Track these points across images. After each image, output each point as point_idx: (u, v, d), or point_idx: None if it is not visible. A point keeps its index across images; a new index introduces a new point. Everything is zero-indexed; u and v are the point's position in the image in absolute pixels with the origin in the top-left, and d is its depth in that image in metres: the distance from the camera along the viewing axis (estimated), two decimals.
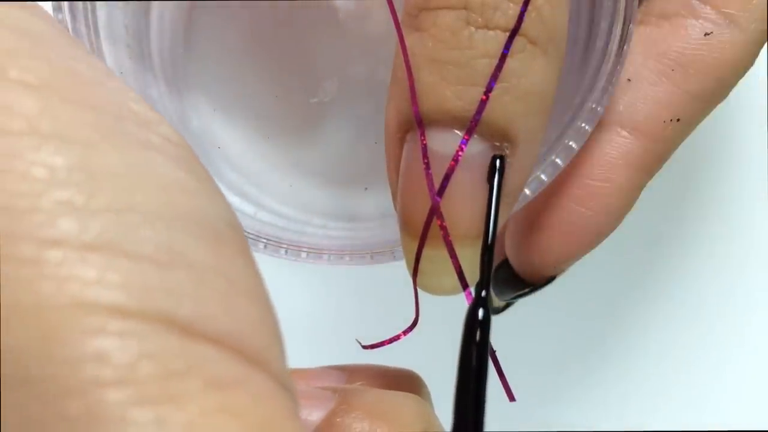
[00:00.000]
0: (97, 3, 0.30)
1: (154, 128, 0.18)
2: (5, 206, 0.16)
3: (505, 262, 0.32)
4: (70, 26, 0.29)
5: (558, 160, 0.29)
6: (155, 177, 0.17)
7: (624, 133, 0.30)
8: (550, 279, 0.32)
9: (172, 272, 0.17)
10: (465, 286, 0.26)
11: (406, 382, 0.29)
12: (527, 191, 0.29)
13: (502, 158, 0.25)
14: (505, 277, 0.32)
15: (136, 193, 0.17)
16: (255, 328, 0.18)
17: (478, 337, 0.23)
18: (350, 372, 0.28)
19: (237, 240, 0.19)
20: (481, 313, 0.23)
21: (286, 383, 0.18)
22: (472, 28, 0.24)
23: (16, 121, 0.17)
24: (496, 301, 0.34)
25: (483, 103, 0.24)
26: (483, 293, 0.24)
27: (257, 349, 0.17)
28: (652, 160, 0.30)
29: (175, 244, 0.17)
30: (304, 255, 0.30)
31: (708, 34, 0.30)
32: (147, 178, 0.17)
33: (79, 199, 0.16)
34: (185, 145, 0.19)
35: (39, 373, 0.15)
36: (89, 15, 0.30)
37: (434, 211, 0.25)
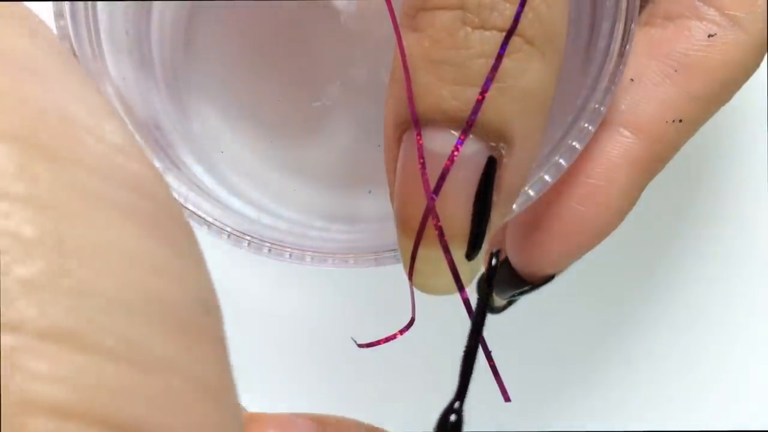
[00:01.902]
0: (99, 8, 0.30)
1: (141, 189, 0.17)
2: None
3: (505, 261, 0.32)
4: (71, 31, 0.29)
5: (561, 161, 0.29)
6: (127, 253, 0.16)
7: (626, 133, 0.30)
8: (549, 277, 0.32)
9: (127, 369, 0.15)
10: (460, 286, 0.26)
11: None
12: (531, 192, 0.29)
13: (494, 160, 0.25)
14: (505, 275, 0.32)
15: (103, 273, 0.15)
16: (209, 429, 0.16)
17: None
18: (323, 426, 0.27)
19: (209, 328, 0.17)
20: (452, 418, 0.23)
21: None
22: (469, 29, 0.24)
23: None
24: (497, 300, 0.34)
25: (479, 104, 0.24)
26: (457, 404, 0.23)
27: None
28: (654, 161, 0.30)
29: (137, 336, 0.15)
30: (308, 258, 0.30)
31: (712, 36, 0.30)
32: (117, 255, 0.16)
33: (42, 279, 0.15)
34: (171, 205, 0.18)
35: None
36: (90, 20, 0.30)
37: (429, 211, 0.25)
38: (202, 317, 0.17)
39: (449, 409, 0.23)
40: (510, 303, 0.34)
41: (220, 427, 0.17)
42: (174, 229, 0.17)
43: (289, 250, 0.30)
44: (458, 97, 0.24)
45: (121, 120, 0.18)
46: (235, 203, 0.32)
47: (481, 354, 0.26)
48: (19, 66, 0.17)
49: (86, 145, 0.16)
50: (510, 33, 0.24)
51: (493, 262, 0.26)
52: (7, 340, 0.14)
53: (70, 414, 0.14)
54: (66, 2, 0.29)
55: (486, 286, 0.25)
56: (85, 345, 0.15)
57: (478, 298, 0.25)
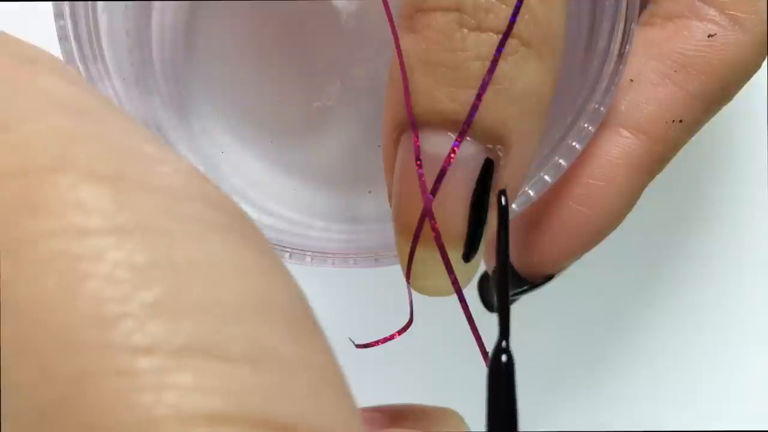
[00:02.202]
0: (99, 8, 0.30)
1: (219, 205, 0.18)
2: (96, 316, 0.15)
3: None
4: (71, 32, 0.29)
5: (561, 161, 0.29)
6: (231, 264, 0.17)
7: (626, 133, 0.30)
8: (549, 277, 0.32)
9: (264, 371, 0.16)
10: (458, 288, 0.26)
11: (448, 420, 0.28)
12: (531, 192, 0.29)
13: (491, 162, 0.25)
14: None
15: (219, 285, 0.16)
16: (346, 421, 0.17)
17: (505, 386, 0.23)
18: (391, 416, 0.28)
19: (312, 323, 0.18)
20: (504, 358, 0.23)
21: None
22: (465, 30, 0.24)
23: (93, 218, 0.16)
24: (497, 299, 0.34)
25: (475, 106, 0.24)
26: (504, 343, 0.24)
27: None
28: (654, 161, 0.30)
29: (262, 338, 0.16)
30: (308, 259, 0.30)
31: (712, 36, 0.30)
32: (224, 267, 0.17)
33: (166, 300, 0.16)
34: (242, 214, 0.18)
35: None
36: (91, 20, 0.30)
37: (426, 213, 0.25)
38: (305, 311, 0.18)
39: (498, 350, 0.23)
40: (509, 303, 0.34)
41: (349, 411, 0.17)
42: (255, 236, 0.18)
43: (289, 250, 0.30)
44: (455, 99, 0.24)
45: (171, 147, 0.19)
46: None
47: (479, 354, 0.26)
48: (75, 110, 0.18)
49: (165, 173, 0.17)
50: (506, 35, 0.24)
51: (503, 201, 0.26)
52: (145, 363, 0.15)
53: (226, 419, 0.15)
54: (66, 3, 0.29)
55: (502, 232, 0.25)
56: (220, 354, 0.15)
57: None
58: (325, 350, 0.18)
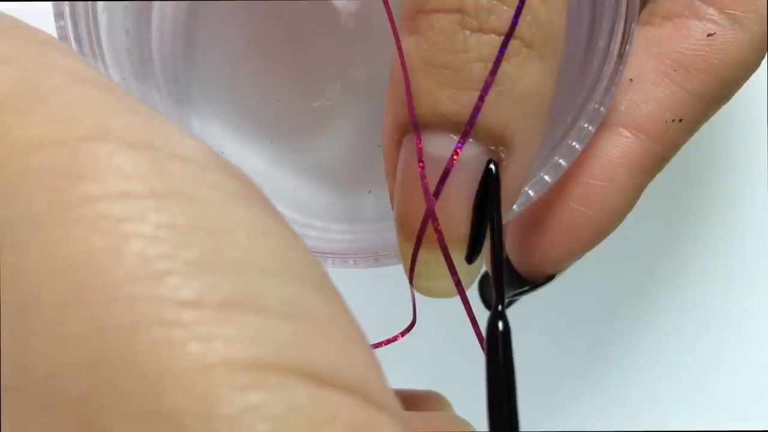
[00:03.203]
0: (99, 8, 0.30)
1: (237, 176, 0.19)
2: (143, 271, 0.16)
3: (506, 260, 0.32)
4: (71, 32, 0.29)
5: (561, 161, 0.29)
6: (259, 230, 0.18)
7: (626, 133, 0.30)
8: (550, 277, 0.32)
9: (298, 324, 0.17)
10: (461, 289, 0.26)
11: (433, 402, 0.29)
12: (531, 193, 0.29)
13: (495, 164, 0.25)
14: (505, 275, 0.32)
15: (250, 247, 0.17)
16: (372, 373, 0.18)
17: (501, 351, 0.23)
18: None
19: (333, 285, 0.19)
20: (500, 325, 0.24)
21: (406, 422, 0.18)
22: (467, 32, 0.24)
23: (132, 183, 0.17)
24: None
25: (478, 108, 0.24)
26: (499, 307, 0.24)
27: (379, 393, 0.17)
28: (654, 161, 0.30)
29: (294, 296, 0.17)
30: None
31: (711, 35, 0.30)
32: (253, 230, 0.18)
33: (206, 259, 0.17)
34: (256, 185, 0.20)
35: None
36: (90, 20, 0.30)
37: (429, 215, 0.25)
38: (325, 275, 0.19)
39: (494, 316, 0.24)
40: (510, 303, 0.34)
41: (377, 367, 0.18)
42: (271, 206, 0.20)
43: None
44: (457, 101, 0.24)
45: None
46: None
47: (480, 354, 0.26)
48: (101, 85, 0.19)
49: (189, 145, 0.18)
50: (508, 36, 0.24)
51: (493, 169, 0.26)
52: (192, 315, 0.16)
53: (271, 367, 0.16)
54: (66, 3, 0.29)
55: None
56: (258, 308, 0.17)
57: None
58: (348, 311, 0.19)
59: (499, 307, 0.24)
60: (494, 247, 0.26)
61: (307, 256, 0.19)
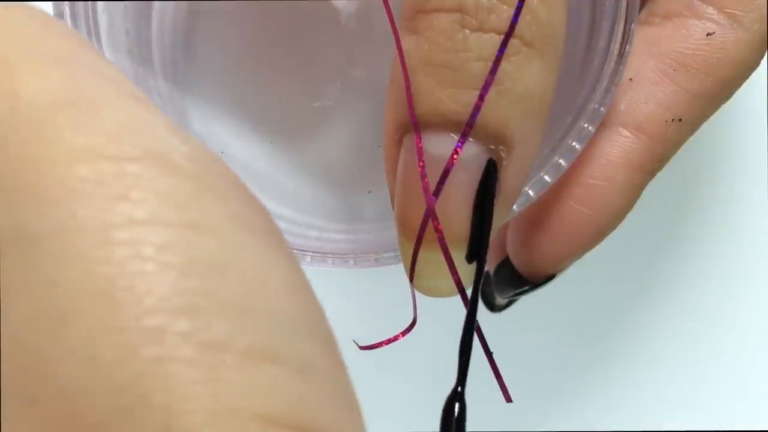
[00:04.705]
0: (99, 8, 0.30)
1: (263, 212, 0.19)
2: (177, 307, 0.16)
3: (506, 260, 0.33)
4: None
5: (561, 161, 0.29)
6: (287, 280, 0.18)
7: (625, 132, 0.30)
8: (550, 277, 0.32)
9: (311, 383, 0.17)
10: (461, 289, 0.26)
11: None
12: (531, 192, 0.29)
13: (493, 163, 0.25)
14: (505, 275, 0.33)
15: (280, 298, 0.17)
16: None
17: None
18: None
19: (331, 335, 0.19)
20: (456, 409, 0.24)
21: None
22: (467, 31, 0.24)
23: (174, 211, 0.17)
24: (497, 299, 0.34)
25: (478, 107, 0.24)
26: (459, 389, 0.24)
27: None
28: (654, 160, 0.30)
29: (310, 353, 0.17)
30: (308, 259, 0.30)
31: (710, 34, 0.30)
32: (283, 282, 0.18)
33: (238, 301, 0.16)
34: (271, 220, 0.19)
35: None
36: (91, 20, 0.30)
37: (430, 214, 0.25)
38: (327, 326, 0.19)
39: (453, 396, 0.24)
40: (510, 303, 0.34)
41: (362, 427, 0.18)
42: (283, 239, 0.19)
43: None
44: (457, 101, 0.24)
45: None
46: None
47: (481, 353, 0.26)
48: (138, 97, 0.19)
49: (229, 178, 0.18)
50: (508, 35, 0.24)
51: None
52: (216, 356, 0.16)
53: (280, 422, 0.16)
54: (66, 3, 0.29)
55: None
56: (279, 360, 0.16)
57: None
58: (346, 370, 0.19)
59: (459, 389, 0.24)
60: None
61: (320, 312, 0.19)
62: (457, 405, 0.24)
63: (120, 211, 0.16)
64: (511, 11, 0.24)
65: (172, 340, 0.16)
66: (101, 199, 0.16)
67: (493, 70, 0.24)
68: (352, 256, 0.30)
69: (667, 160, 0.31)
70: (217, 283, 0.16)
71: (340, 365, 0.18)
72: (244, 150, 0.34)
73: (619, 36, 0.29)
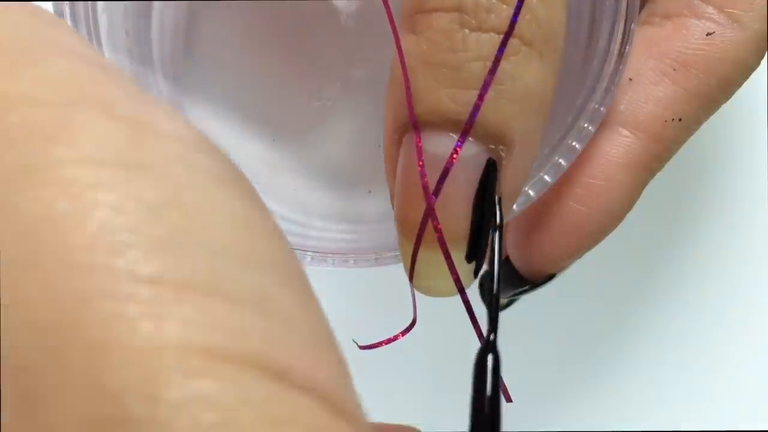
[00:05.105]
0: (98, 8, 0.30)
1: (224, 161, 0.18)
2: (103, 241, 0.16)
3: (506, 260, 0.33)
4: None
5: (561, 161, 0.29)
6: (239, 217, 0.17)
7: (625, 132, 0.30)
8: (550, 277, 0.32)
9: (265, 318, 0.16)
10: (461, 288, 0.26)
11: None
12: (531, 192, 0.29)
13: (493, 162, 0.25)
14: (505, 274, 0.33)
15: (226, 233, 0.17)
16: (339, 379, 0.17)
17: (489, 388, 0.23)
18: None
19: (309, 286, 0.18)
20: (490, 360, 0.23)
21: None
22: (466, 31, 0.24)
23: (107, 151, 0.16)
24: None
25: (477, 106, 0.24)
26: (492, 337, 0.24)
27: (343, 401, 0.17)
28: (654, 160, 0.30)
29: (266, 289, 0.17)
30: (308, 259, 0.30)
31: (710, 34, 0.30)
32: (233, 219, 0.17)
33: (173, 236, 0.16)
34: (243, 175, 0.19)
35: (143, 413, 0.15)
36: (90, 19, 0.30)
37: (429, 214, 0.25)
38: (303, 274, 0.18)
39: (486, 347, 0.23)
40: (510, 302, 0.34)
41: (344, 374, 0.18)
42: (257, 197, 0.19)
43: None
44: (456, 100, 0.24)
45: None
46: None
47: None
48: (96, 62, 0.19)
49: (179, 126, 0.18)
50: (507, 35, 0.24)
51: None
52: (148, 291, 0.15)
53: (228, 357, 0.15)
54: (66, 3, 0.29)
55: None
56: (223, 294, 0.16)
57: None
58: (321, 313, 0.18)
59: (491, 337, 0.24)
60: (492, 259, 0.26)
61: (285, 252, 0.18)
62: (490, 357, 0.23)
63: (47, 152, 0.16)
64: (511, 11, 0.24)
65: (98, 277, 0.15)
66: (29, 142, 0.16)
67: (493, 70, 0.24)
68: (352, 255, 0.30)
69: (667, 160, 0.31)
70: (149, 219, 0.16)
71: (307, 304, 0.18)
72: (243, 149, 0.34)
73: (619, 36, 0.29)
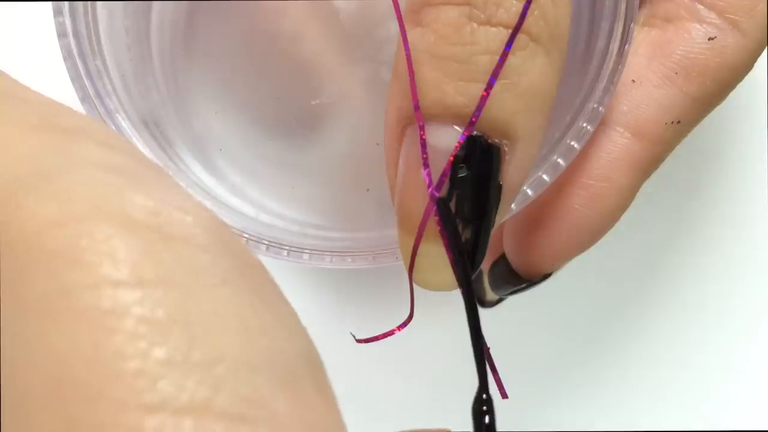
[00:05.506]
0: (98, 6, 0.30)
1: (232, 252, 0.19)
2: (116, 372, 0.16)
3: (503, 258, 0.33)
4: (70, 28, 0.29)
5: (560, 160, 0.29)
6: (238, 320, 0.18)
7: (624, 133, 0.30)
8: (546, 275, 0.32)
9: (256, 427, 0.17)
10: (461, 282, 0.26)
11: None
12: (529, 191, 0.29)
13: (498, 150, 0.25)
14: (502, 272, 0.33)
15: (223, 341, 0.17)
16: None
17: None
18: None
19: (315, 376, 0.19)
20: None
21: None
22: (475, 24, 0.24)
23: (123, 270, 0.17)
24: (491, 295, 0.34)
25: (483, 100, 0.24)
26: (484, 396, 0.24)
27: None
28: (651, 161, 0.31)
29: (258, 394, 0.17)
30: (306, 257, 0.30)
31: (712, 39, 0.30)
32: (231, 323, 0.18)
33: (177, 356, 0.16)
34: (253, 258, 0.19)
35: None
36: (89, 17, 0.30)
37: (432, 207, 0.25)
38: (307, 367, 0.19)
39: (480, 408, 0.24)
40: (501, 299, 0.34)
41: None
42: (267, 287, 0.19)
43: (287, 248, 0.30)
44: (463, 93, 0.24)
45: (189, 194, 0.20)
46: (234, 201, 0.32)
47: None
48: (111, 166, 0.19)
49: (188, 223, 0.18)
50: (516, 30, 0.24)
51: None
52: (153, 421, 0.16)
53: None
54: (66, 2, 0.29)
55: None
56: (217, 412, 0.16)
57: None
58: (325, 404, 0.18)
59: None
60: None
61: (285, 351, 0.18)
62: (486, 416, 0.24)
63: (69, 277, 0.17)
64: (520, 6, 0.24)
65: (112, 410, 0.16)
66: (53, 267, 0.17)
67: (501, 64, 0.24)
68: (350, 254, 0.30)
69: (662, 161, 0.31)
70: (158, 341, 0.16)
71: (310, 407, 0.18)
72: (242, 148, 0.34)
73: (618, 35, 0.29)
